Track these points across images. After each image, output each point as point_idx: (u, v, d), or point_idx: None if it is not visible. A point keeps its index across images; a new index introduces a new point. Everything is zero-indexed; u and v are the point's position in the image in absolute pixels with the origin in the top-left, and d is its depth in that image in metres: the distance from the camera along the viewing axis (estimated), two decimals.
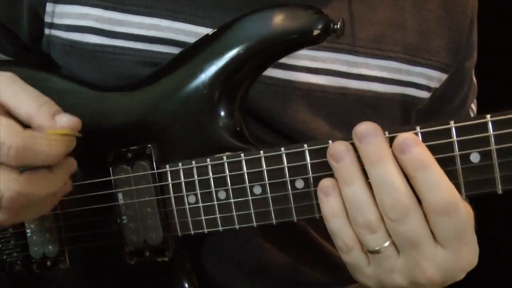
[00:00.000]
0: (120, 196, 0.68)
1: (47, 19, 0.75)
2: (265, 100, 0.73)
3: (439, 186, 0.56)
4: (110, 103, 0.70)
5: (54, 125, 0.60)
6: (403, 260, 0.59)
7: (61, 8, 0.75)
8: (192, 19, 0.73)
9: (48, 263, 0.71)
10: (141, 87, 0.69)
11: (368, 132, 0.57)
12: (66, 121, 0.61)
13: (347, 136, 0.77)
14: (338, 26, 0.63)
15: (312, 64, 0.75)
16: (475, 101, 0.92)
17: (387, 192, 0.57)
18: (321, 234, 0.79)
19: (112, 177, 0.68)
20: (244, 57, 0.65)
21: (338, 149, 0.58)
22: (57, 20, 0.75)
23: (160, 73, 0.69)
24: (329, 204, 0.59)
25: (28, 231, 0.71)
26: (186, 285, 0.69)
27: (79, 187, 0.69)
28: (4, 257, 0.72)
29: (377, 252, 0.59)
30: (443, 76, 0.82)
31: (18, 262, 0.72)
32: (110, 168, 0.68)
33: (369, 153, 0.57)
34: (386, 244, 0.58)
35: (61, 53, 0.76)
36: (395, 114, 0.81)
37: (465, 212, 0.57)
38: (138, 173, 0.67)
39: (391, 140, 0.58)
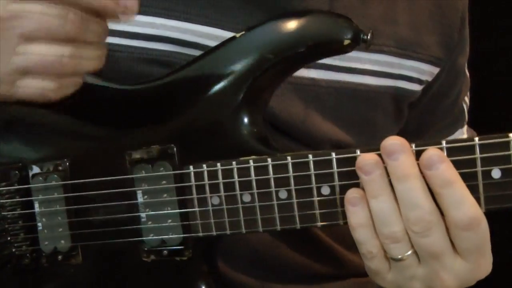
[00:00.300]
0: (139, 194, 0.67)
1: None
2: None
3: (463, 203, 0.59)
4: (130, 99, 0.69)
5: None
6: (423, 269, 0.61)
7: None
8: (186, 17, 0.74)
9: (59, 257, 0.70)
10: (162, 83, 0.69)
11: (395, 148, 0.59)
12: None
13: (351, 133, 0.80)
14: (368, 37, 0.64)
15: None
16: (468, 93, 0.96)
17: (412, 208, 0.59)
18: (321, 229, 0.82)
19: (132, 175, 0.67)
20: (272, 61, 0.65)
21: (367, 162, 0.60)
22: None
23: (182, 70, 0.68)
24: (356, 215, 0.61)
25: (39, 224, 0.69)
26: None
27: (96, 184, 0.68)
28: (13, 250, 0.70)
29: (399, 260, 0.61)
30: (435, 70, 0.86)
31: (27, 255, 0.70)
32: (129, 165, 0.67)
33: (395, 168, 0.59)
34: (409, 253, 0.61)
35: None
36: (388, 107, 0.84)
37: (486, 226, 0.60)
38: (160, 173, 0.67)
39: (418, 153, 0.60)
